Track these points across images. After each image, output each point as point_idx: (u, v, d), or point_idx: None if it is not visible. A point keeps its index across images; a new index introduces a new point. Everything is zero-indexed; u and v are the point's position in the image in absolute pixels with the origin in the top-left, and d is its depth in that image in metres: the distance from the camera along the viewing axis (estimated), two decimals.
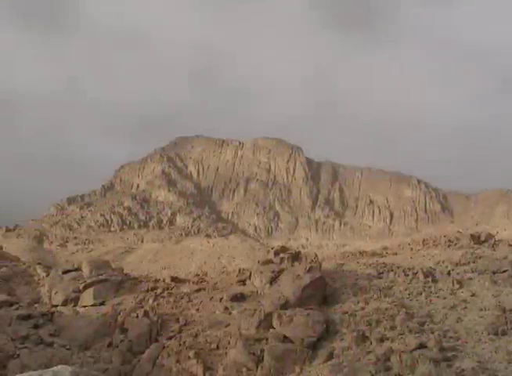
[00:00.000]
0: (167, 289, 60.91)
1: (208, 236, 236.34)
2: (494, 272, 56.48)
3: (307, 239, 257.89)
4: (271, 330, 46.22)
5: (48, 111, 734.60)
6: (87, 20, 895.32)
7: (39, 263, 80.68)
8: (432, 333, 41.74)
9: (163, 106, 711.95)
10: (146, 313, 52.03)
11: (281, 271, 56.49)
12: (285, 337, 44.30)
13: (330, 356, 41.34)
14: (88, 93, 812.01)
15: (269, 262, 60.96)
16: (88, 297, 59.54)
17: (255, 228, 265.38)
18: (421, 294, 52.23)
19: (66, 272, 65.59)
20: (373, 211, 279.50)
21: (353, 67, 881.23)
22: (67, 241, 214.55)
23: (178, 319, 52.05)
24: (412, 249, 77.25)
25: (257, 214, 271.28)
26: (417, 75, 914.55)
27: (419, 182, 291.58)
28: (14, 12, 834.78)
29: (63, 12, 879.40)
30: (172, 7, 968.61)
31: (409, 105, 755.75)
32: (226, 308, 53.55)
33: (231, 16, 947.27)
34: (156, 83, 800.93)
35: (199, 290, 59.85)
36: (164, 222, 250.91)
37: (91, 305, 58.40)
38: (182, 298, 57.34)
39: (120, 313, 53.16)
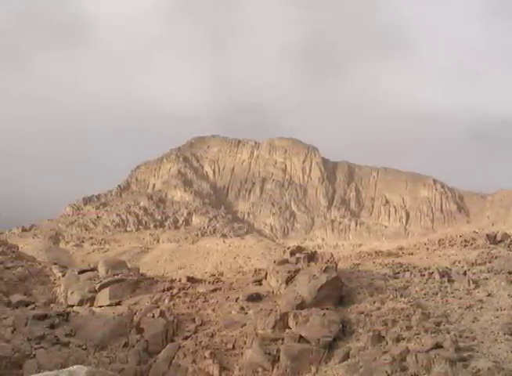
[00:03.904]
0: (183, 289, 60.93)
1: (224, 236, 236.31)
2: (510, 273, 56.38)
3: (323, 239, 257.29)
4: (287, 330, 46.29)
5: (59, 112, 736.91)
6: (101, 24, 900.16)
7: (55, 263, 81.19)
8: (448, 333, 41.70)
9: (178, 106, 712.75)
10: (162, 313, 52.06)
11: (297, 271, 56.46)
12: (301, 337, 44.35)
13: (346, 356, 41.40)
14: (101, 93, 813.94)
15: (285, 262, 60.89)
16: (104, 297, 59.71)
17: (271, 228, 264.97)
18: (437, 294, 52.16)
19: (82, 272, 65.80)
20: (389, 211, 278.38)
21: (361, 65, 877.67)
22: (83, 241, 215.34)
23: (194, 319, 52.13)
24: (428, 249, 76.90)
25: (273, 214, 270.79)
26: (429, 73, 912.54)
27: (435, 182, 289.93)
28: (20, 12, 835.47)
29: (76, 17, 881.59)
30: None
31: (421, 104, 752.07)
32: (242, 308, 53.59)
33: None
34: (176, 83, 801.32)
35: (215, 290, 59.89)
36: (180, 222, 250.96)
37: (107, 305, 58.54)
38: (198, 298, 57.40)
39: (136, 313, 53.22)
